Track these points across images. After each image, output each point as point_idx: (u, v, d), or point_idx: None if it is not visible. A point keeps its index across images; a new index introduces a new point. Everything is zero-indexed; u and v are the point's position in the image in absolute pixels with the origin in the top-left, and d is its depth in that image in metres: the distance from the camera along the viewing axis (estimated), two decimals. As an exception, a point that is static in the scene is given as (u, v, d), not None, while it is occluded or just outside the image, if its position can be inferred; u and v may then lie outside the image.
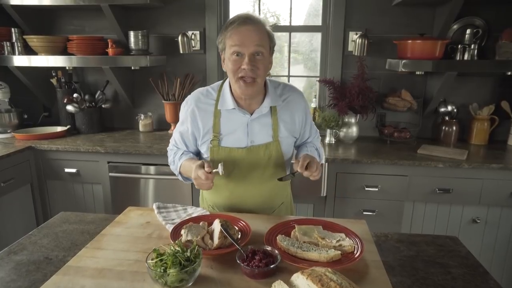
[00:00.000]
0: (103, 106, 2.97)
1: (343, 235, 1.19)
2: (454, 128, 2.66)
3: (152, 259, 0.99)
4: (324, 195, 2.38)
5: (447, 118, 2.68)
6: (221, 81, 1.46)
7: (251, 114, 1.39)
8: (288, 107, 1.44)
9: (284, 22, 3.03)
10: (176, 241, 1.05)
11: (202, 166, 1.28)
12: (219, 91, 1.42)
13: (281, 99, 1.43)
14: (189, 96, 1.46)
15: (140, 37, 2.74)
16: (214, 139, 1.40)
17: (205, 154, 1.45)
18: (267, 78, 1.44)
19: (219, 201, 1.54)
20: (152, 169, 2.49)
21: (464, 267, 1.13)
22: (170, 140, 1.57)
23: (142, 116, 2.99)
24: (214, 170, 1.29)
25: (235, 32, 1.25)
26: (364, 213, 2.36)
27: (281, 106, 1.43)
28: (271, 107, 1.41)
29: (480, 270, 1.12)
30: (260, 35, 1.26)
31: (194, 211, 1.44)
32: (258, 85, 1.33)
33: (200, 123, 1.41)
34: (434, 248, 1.25)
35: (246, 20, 1.25)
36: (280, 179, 1.39)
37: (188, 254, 0.98)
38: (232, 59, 1.28)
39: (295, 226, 1.24)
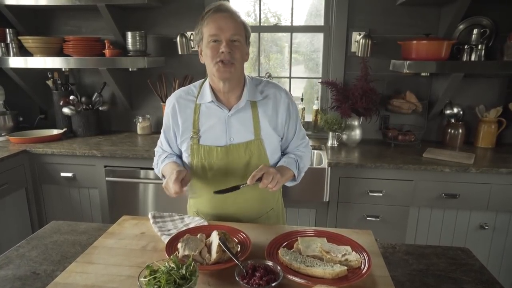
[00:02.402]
0: (100, 108, 2.91)
1: (349, 248, 1.12)
2: (460, 130, 2.59)
3: (144, 277, 0.92)
4: (327, 200, 2.31)
5: (453, 120, 2.62)
6: (203, 79, 1.45)
7: (230, 110, 1.37)
8: (270, 103, 1.40)
9: (285, 22, 2.97)
10: (171, 257, 0.98)
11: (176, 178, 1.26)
12: (200, 87, 1.42)
13: (262, 95, 1.40)
14: (172, 94, 1.47)
15: (137, 38, 2.67)
16: (193, 136, 1.38)
17: (185, 153, 1.42)
18: (248, 75, 1.42)
19: (201, 207, 1.49)
20: (150, 173, 2.42)
21: (479, 283, 1.06)
22: (157, 142, 1.56)
23: (140, 119, 2.92)
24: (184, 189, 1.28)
25: (211, 20, 1.27)
26: (368, 218, 2.29)
27: (262, 102, 1.39)
28: (251, 102, 1.38)
29: (497, 287, 1.04)
30: (235, 23, 1.28)
31: (192, 221, 1.37)
32: (236, 70, 1.31)
33: (180, 119, 1.41)
34: (445, 261, 1.18)
35: (220, 7, 1.28)
36: (219, 192, 1.31)
37: (184, 271, 0.91)
38: (210, 46, 1.28)
39: (298, 238, 1.17)
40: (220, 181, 1.39)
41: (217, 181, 1.39)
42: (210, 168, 1.39)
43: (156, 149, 1.57)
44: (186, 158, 1.44)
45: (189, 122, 1.40)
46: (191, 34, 2.75)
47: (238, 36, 1.28)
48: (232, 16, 1.28)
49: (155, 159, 1.55)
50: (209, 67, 1.32)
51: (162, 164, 1.47)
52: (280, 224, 1.56)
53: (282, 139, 1.46)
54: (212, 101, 1.37)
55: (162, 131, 1.51)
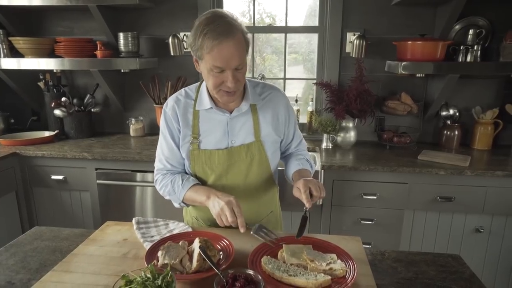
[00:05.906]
0: (92, 110, 2.88)
1: (334, 256, 1.09)
2: (456, 132, 2.55)
3: (120, 287, 0.89)
4: (320, 203, 2.27)
5: (449, 122, 2.58)
6: (199, 82, 1.40)
7: (231, 113, 1.33)
8: (270, 105, 1.39)
9: (280, 23, 2.93)
10: (149, 266, 0.95)
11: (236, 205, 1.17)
12: (197, 91, 1.37)
13: (260, 97, 1.38)
14: (167, 100, 1.40)
15: (130, 39, 2.64)
16: (193, 141, 1.33)
17: (185, 158, 1.37)
18: (246, 78, 1.37)
19: (201, 214, 1.45)
20: (141, 176, 2.39)
21: (468, 293, 1.03)
22: (155, 164, 1.43)
23: (133, 121, 2.89)
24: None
25: (217, 49, 1.13)
26: (362, 222, 2.26)
27: (262, 104, 1.38)
28: (251, 105, 1.35)
29: (486, 297, 1.01)
30: (241, 48, 1.17)
31: (176, 227, 1.34)
32: (240, 92, 1.30)
33: (181, 122, 1.34)
34: (435, 269, 1.15)
35: (227, 32, 1.13)
36: (299, 233, 1.21)
37: (160, 282, 0.88)
38: (212, 74, 1.19)
39: (283, 245, 1.14)
40: (221, 185, 1.35)
41: (218, 185, 1.35)
42: (211, 172, 1.35)
43: (158, 170, 1.42)
44: (185, 163, 1.39)
45: (189, 126, 1.34)
46: (184, 35, 2.72)
47: (243, 60, 1.19)
48: (238, 40, 1.15)
49: (162, 185, 1.38)
50: (210, 87, 1.25)
51: (184, 190, 1.31)
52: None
53: (282, 140, 1.46)
54: (211, 107, 1.32)
55: (163, 145, 1.38)
